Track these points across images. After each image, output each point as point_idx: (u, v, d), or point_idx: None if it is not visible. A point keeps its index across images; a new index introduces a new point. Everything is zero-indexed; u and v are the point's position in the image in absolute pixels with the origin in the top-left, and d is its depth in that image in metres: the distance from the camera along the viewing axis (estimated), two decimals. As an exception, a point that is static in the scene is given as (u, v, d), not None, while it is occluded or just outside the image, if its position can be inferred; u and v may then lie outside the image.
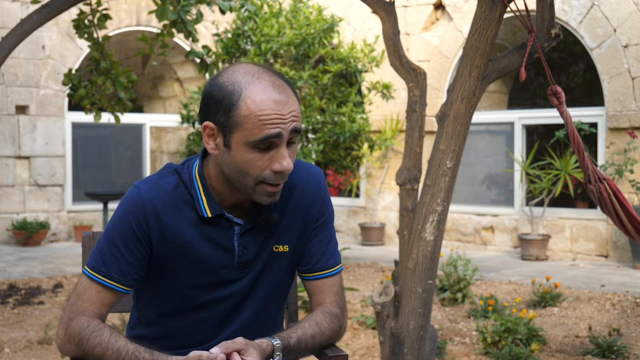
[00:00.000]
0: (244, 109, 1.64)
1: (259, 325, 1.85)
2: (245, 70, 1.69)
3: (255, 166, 1.67)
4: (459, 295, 6.01)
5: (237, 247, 1.78)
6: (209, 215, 1.75)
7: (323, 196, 1.87)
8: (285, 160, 1.67)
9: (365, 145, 9.42)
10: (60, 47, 10.02)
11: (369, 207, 10.29)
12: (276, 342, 1.71)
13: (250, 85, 1.66)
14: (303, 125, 8.35)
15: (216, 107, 1.68)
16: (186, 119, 9.45)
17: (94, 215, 10.33)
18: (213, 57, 6.90)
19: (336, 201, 10.73)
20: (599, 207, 3.48)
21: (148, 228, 1.74)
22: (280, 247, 1.83)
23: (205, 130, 1.71)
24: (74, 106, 9.44)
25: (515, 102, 10.69)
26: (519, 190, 9.02)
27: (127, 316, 4.87)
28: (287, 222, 1.83)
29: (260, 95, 1.65)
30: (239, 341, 1.66)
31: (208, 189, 1.77)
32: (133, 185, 1.79)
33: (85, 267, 1.78)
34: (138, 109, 11.93)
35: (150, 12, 5.94)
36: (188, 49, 9.99)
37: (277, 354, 1.70)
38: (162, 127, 11.75)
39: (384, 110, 9.81)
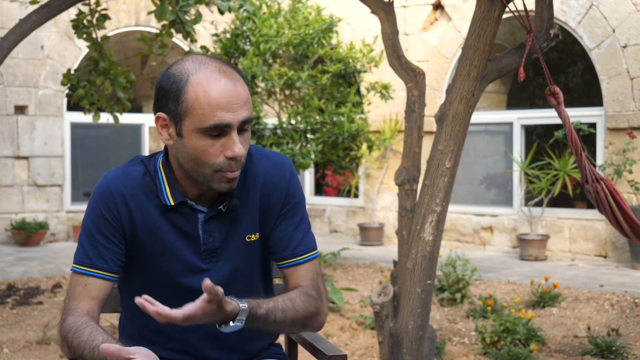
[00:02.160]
0: (192, 93, 1.67)
1: None
2: (192, 59, 1.72)
3: (208, 153, 1.69)
4: (458, 295, 6.02)
5: (202, 234, 1.80)
6: (172, 203, 1.78)
7: (288, 184, 1.87)
8: (236, 147, 1.68)
9: (364, 146, 9.43)
10: (59, 47, 10.02)
11: (368, 207, 10.29)
12: (243, 305, 1.65)
13: (198, 71, 1.68)
14: (302, 126, 8.35)
15: (166, 96, 1.71)
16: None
17: (93, 215, 10.31)
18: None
19: (335, 201, 10.73)
20: (596, 208, 3.49)
21: (119, 214, 1.78)
22: (253, 236, 1.84)
23: (158, 121, 1.74)
24: (72, 106, 9.44)
25: (514, 102, 10.69)
26: (518, 191, 9.02)
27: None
28: (253, 210, 1.84)
29: (207, 79, 1.67)
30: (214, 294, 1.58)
31: (172, 179, 1.80)
32: (102, 176, 1.83)
33: (72, 264, 1.81)
34: (137, 109, 11.92)
35: (149, 13, 5.94)
36: (187, 49, 9.99)
37: (240, 317, 1.64)
38: (161, 127, 11.73)
39: (382, 110, 9.81)
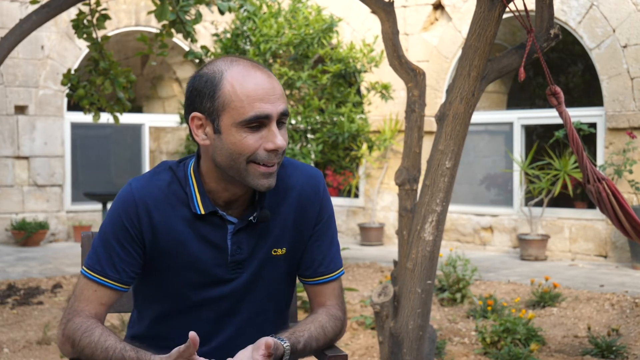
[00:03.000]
0: (228, 87, 1.65)
1: (257, 327, 1.84)
2: (222, 59, 1.72)
3: (247, 145, 1.66)
4: (458, 295, 6.01)
5: (231, 245, 1.77)
6: (202, 212, 1.74)
7: (322, 199, 1.85)
8: (277, 138, 1.66)
9: (365, 146, 9.42)
10: (60, 47, 10.01)
11: (368, 207, 10.29)
12: (286, 346, 1.70)
13: (230, 67, 1.68)
14: (302, 126, 8.35)
15: (200, 95, 1.69)
16: (185, 119, 9.45)
17: (93, 215, 10.33)
18: (212, 57, 6.90)
19: (335, 201, 10.73)
20: (597, 207, 3.49)
21: (140, 225, 1.73)
22: (279, 250, 1.81)
23: (193, 121, 1.71)
24: (73, 106, 9.44)
25: (514, 102, 10.69)
26: (518, 191, 9.02)
27: (127, 316, 4.87)
28: (283, 224, 1.81)
29: (242, 73, 1.66)
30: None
31: (202, 187, 1.76)
32: (127, 183, 1.79)
33: (83, 266, 1.79)
34: (137, 109, 11.92)
35: (150, 13, 5.94)
36: (187, 49, 9.99)
37: (285, 358, 1.70)
38: (161, 127, 11.75)
39: (383, 110, 9.81)
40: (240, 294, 1.81)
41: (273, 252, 1.81)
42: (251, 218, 1.77)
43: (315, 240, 1.85)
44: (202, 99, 1.68)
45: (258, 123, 1.65)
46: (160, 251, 1.75)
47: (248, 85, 1.65)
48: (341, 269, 1.90)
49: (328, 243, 1.87)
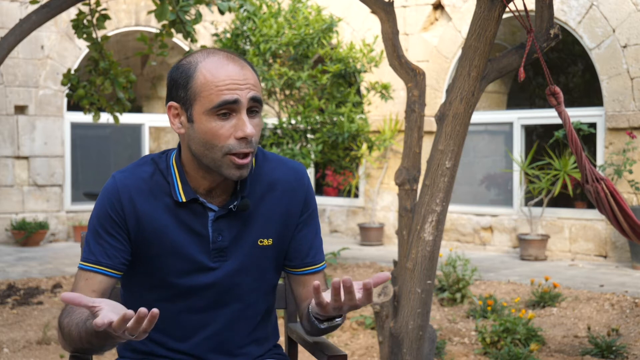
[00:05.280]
0: (200, 78, 1.71)
1: (247, 320, 1.88)
2: (201, 51, 1.78)
3: (219, 135, 1.71)
4: (458, 295, 6.02)
5: (212, 233, 1.81)
6: (183, 199, 1.79)
7: (306, 191, 1.90)
8: (247, 127, 1.70)
9: (364, 146, 9.42)
10: (59, 47, 10.01)
11: (368, 207, 10.29)
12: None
13: (206, 59, 1.74)
14: (302, 126, 8.35)
15: (176, 85, 1.75)
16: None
17: (93, 215, 10.31)
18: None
19: (335, 201, 10.73)
20: (596, 207, 3.49)
21: (124, 213, 1.78)
22: (265, 240, 1.85)
23: (170, 110, 1.77)
24: (73, 106, 9.44)
25: (514, 102, 10.69)
26: (518, 191, 9.02)
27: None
28: (268, 216, 1.85)
29: (214, 64, 1.72)
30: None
31: (184, 176, 1.81)
32: (111, 176, 1.84)
33: (79, 262, 1.82)
34: (137, 109, 11.92)
35: (150, 12, 5.94)
36: (187, 49, 9.99)
37: (337, 322, 1.75)
38: (161, 127, 11.75)
39: (383, 110, 9.81)
40: (227, 284, 1.83)
41: (259, 243, 1.85)
42: (231, 207, 1.81)
43: (300, 230, 1.90)
44: (177, 88, 1.75)
45: (226, 110, 1.70)
46: (145, 239, 1.80)
47: (219, 75, 1.70)
48: (324, 262, 1.96)
49: (313, 234, 1.92)
